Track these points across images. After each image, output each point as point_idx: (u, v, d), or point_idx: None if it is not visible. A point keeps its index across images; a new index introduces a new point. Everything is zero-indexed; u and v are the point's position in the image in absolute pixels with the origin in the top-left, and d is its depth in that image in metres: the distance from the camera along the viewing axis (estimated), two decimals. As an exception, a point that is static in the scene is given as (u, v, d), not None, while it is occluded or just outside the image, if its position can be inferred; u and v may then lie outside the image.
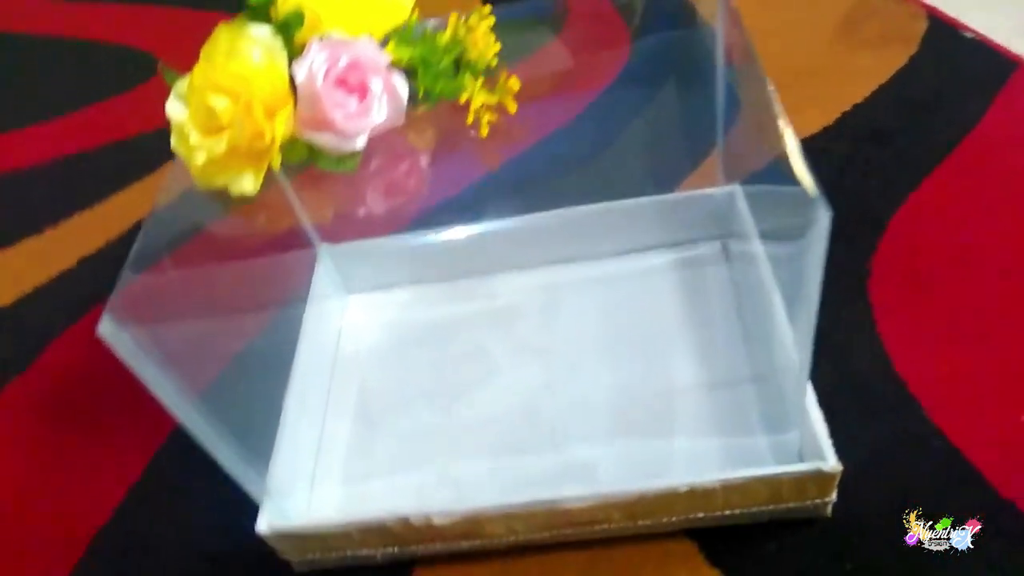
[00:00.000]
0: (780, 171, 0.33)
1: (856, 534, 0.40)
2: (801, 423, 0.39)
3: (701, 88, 0.53)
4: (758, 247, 0.48)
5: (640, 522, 0.40)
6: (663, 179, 0.57)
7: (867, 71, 0.66)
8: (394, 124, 0.35)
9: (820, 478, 0.38)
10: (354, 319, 0.56)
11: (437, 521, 0.39)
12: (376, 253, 0.56)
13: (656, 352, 0.49)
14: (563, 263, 0.56)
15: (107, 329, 0.30)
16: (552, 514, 0.39)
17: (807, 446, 0.39)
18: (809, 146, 0.41)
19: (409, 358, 0.53)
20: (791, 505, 0.39)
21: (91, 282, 0.65)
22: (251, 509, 0.41)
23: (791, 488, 0.38)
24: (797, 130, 0.33)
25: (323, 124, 0.33)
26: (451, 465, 0.46)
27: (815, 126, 0.62)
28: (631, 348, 0.50)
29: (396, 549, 0.42)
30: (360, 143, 0.34)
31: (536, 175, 0.58)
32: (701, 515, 0.40)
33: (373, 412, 0.51)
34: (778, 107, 0.34)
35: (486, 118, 0.35)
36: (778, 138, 0.33)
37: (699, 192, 0.53)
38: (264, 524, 0.40)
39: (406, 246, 0.55)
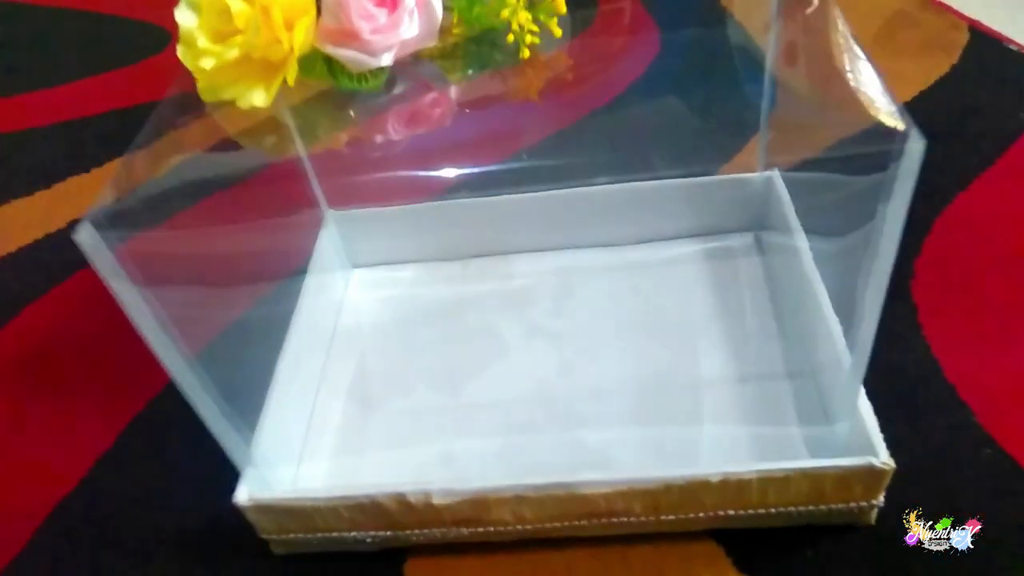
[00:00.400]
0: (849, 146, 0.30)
1: (903, 545, 0.36)
2: (851, 416, 0.35)
3: (737, 79, 0.50)
4: (800, 238, 0.44)
5: (663, 516, 0.36)
6: (694, 169, 0.54)
7: (908, 77, 0.63)
8: (424, 44, 0.31)
9: (868, 475, 0.34)
10: (357, 293, 0.53)
11: (437, 501, 0.35)
12: (385, 222, 0.52)
13: (682, 341, 0.45)
14: (582, 247, 0.52)
15: (85, 237, 0.26)
16: (567, 500, 0.35)
17: (855, 443, 0.35)
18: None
19: (412, 337, 0.49)
20: (832, 507, 0.35)
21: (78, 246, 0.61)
22: (229, 485, 0.37)
23: (835, 485, 0.34)
24: (836, 131, 0.30)
25: (347, 37, 0.30)
26: (454, 445, 0.42)
27: (853, 127, 0.59)
28: (654, 336, 0.46)
29: (388, 533, 0.37)
30: (386, 60, 0.30)
31: (561, 158, 0.55)
32: (731, 513, 0.36)
33: (370, 390, 0.47)
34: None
35: (528, 39, 0.32)
36: (861, 95, 0.30)
37: (733, 176, 0.50)
38: (244, 494, 0.36)
39: (416, 216, 0.52)
